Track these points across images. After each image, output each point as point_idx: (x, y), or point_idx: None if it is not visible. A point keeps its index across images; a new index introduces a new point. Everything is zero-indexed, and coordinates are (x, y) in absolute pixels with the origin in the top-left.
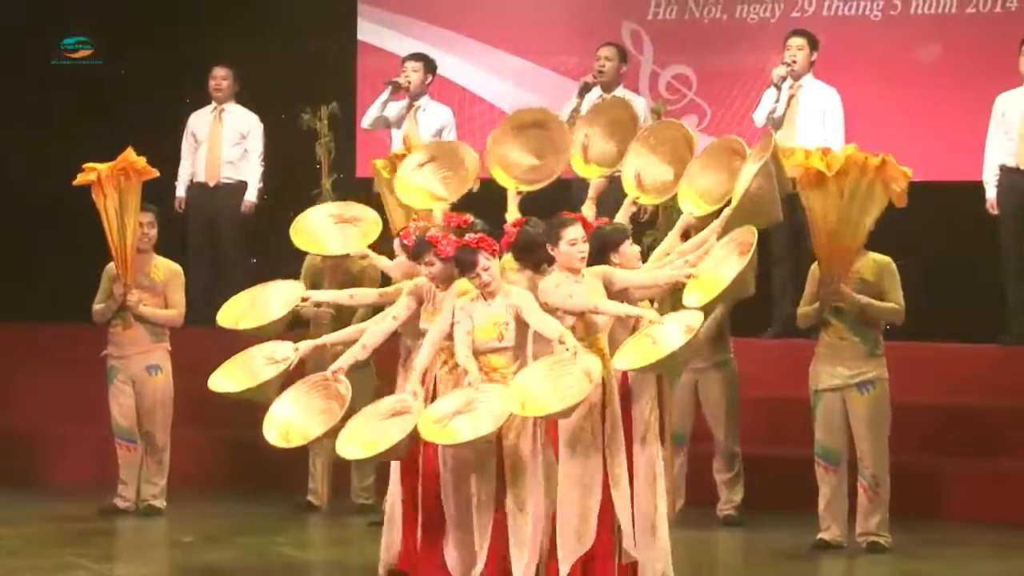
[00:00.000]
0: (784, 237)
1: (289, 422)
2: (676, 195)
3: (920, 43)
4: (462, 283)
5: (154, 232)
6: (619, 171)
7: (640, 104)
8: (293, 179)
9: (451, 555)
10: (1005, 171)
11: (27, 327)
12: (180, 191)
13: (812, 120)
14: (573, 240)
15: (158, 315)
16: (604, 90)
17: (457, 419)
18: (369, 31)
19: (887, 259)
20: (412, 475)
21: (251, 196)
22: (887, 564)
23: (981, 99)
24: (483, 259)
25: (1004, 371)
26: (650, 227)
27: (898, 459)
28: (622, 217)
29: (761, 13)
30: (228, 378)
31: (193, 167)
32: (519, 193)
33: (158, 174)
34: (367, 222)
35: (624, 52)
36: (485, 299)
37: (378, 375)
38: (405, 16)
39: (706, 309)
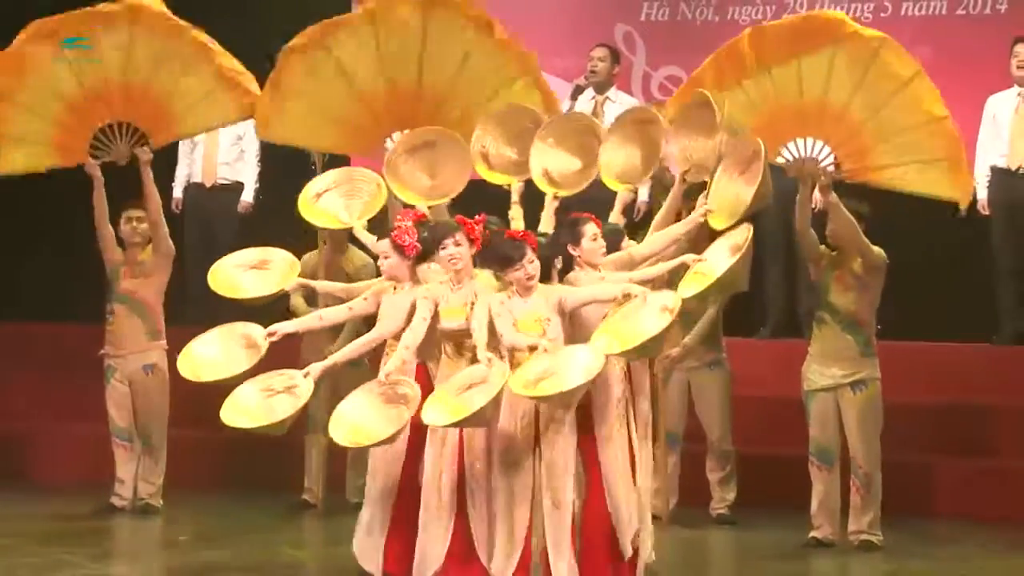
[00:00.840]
0: (778, 237)
1: (358, 424)
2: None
3: (911, 45)
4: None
5: (145, 227)
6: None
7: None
8: (288, 180)
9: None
10: (996, 172)
11: (24, 326)
12: (177, 192)
13: None
14: (594, 235)
15: (157, 203)
16: (597, 91)
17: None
18: None
19: (878, 249)
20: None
21: (247, 197)
22: (879, 562)
23: (972, 100)
24: (529, 252)
25: (996, 370)
26: (643, 227)
27: (890, 458)
28: (615, 217)
29: (753, 15)
30: (243, 414)
31: (190, 168)
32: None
33: None
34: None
35: (617, 53)
36: (524, 294)
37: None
38: None
39: (698, 299)
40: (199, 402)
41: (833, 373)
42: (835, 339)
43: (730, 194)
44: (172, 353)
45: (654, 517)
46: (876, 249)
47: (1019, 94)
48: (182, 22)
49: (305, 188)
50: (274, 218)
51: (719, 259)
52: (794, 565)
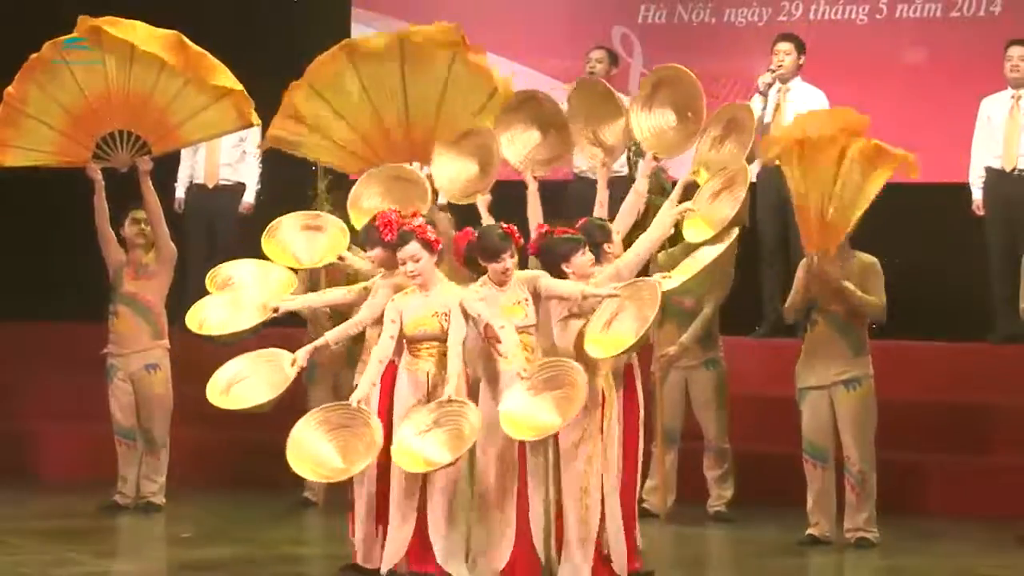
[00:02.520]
0: (773, 237)
1: (318, 455)
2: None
3: (906, 46)
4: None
5: (149, 229)
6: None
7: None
8: (289, 182)
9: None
10: (991, 173)
11: (27, 325)
12: (179, 192)
13: None
14: (582, 251)
15: (157, 210)
16: None
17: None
18: (363, 34)
19: (872, 259)
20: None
21: (249, 198)
22: (874, 559)
23: (966, 102)
24: (513, 247)
25: (989, 369)
26: (641, 228)
27: (884, 455)
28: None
29: (749, 17)
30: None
31: (192, 169)
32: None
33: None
34: (333, 230)
35: (615, 55)
36: (503, 286)
37: None
38: (398, 19)
39: (708, 243)
40: (201, 401)
41: (827, 371)
42: (828, 338)
43: (711, 207)
44: (174, 352)
45: (652, 515)
46: (870, 258)
47: (1013, 96)
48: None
49: (271, 225)
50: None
51: (721, 204)
52: (791, 562)
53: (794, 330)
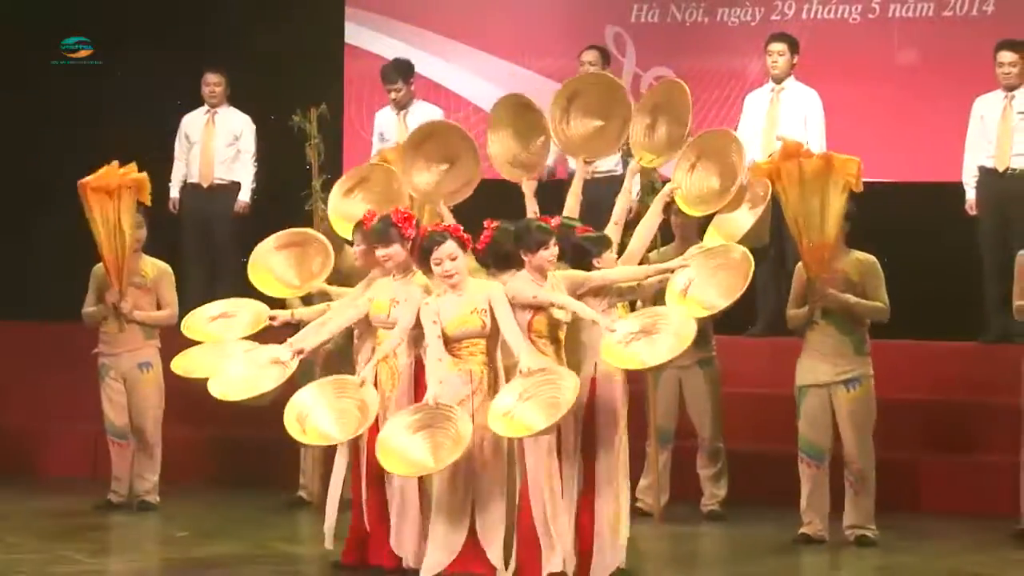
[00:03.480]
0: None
1: (311, 416)
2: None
3: (899, 46)
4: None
5: (143, 233)
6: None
7: None
8: (283, 180)
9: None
10: (984, 172)
11: (20, 325)
12: (174, 192)
13: (794, 123)
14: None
15: (152, 317)
16: None
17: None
18: (356, 33)
19: (872, 258)
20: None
21: (244, 196)
22: (867, 557)
23: (959, 101)
24: (450, 246)
25: (983, 368)
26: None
27: (879, 454)
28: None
29: (742, 16)
30: (227, 385)
31: (187, 168)
32: None
33: (147, 185)
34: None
35: (607, 54)
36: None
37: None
38: (392, 19)
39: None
40: (195, 399)
41: (827, 370)
42: (829, 338)
43: (732, 219)
44: (167, 352)
45: (646, 514)
46: (862, 256)
47: (1006, 96)
48: None
49: (256, 249)
50: (271, 218)
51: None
52: (785, 561)
53: (788, 329)
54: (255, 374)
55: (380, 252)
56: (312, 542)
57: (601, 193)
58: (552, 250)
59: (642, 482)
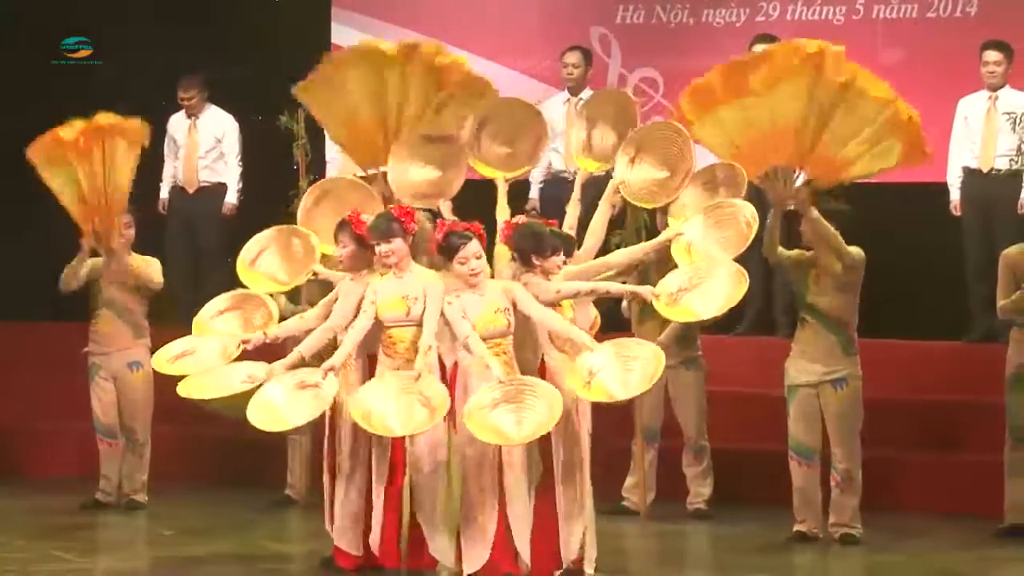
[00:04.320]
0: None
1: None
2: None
3: (883, 47)
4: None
5: (131, 232)
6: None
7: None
8: (271, 181)
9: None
10: (968, 173)
11: (10, 325)
12: (163, 193)
13: None
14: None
15: (139, 269)
16: (571, 94)
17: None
18: (343, 34)
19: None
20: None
21: (231, 198)
22: (852, 556)
23: (944, 102)
24: (474, 245)
25: (967, 367)
26: (618, 226)
27: (864, 453)
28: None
29: (727, 17)
30: (199, 386)
31: (175, 170)
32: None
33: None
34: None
35: (590, 55)
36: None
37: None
38: (378, 20)
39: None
40: (184, 400)
41: (815, 370)
42: (817, 338)
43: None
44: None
45: (632, 512)
46: (853, 249)
47: (990, 97)
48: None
49: (241, 253)
50: (258, 219)
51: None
52: (770, 559)
53: (774, 328)
54: (295, 401)
55: (383, 248)
56: (299, 540)
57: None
58: (561, 256)
59: (628, 480)
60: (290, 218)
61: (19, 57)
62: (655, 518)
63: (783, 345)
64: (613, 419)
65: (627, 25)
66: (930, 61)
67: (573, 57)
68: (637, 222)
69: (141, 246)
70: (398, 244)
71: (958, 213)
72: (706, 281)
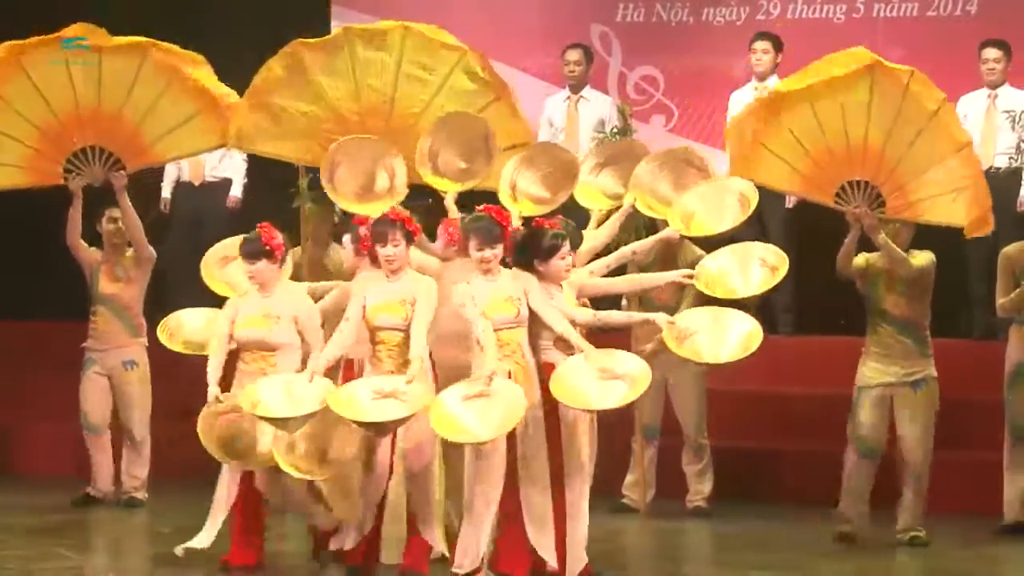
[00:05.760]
0: (752, 236)
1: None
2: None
3: (883, 45)
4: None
5: (123, 177)
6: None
7: (609, 104)
8: (276, 175)
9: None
10: None
11: (5, 324)
12: (165, 192)
13: None
14: (563, 255)
15: (134, 221)
16: (572, 91)
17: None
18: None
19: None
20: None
21: (236, 192)
22: (854, 554)
23: None
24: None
25: (968, 365)
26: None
27: None
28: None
29: (727, 16)
30: (356, 410)
31: (178, 167)
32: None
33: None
34: None
35: (591, 53)
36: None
37: None
38: (377, 16)
39: None
40: (182, 396)
41: (893, 371)
42: (892, 341)
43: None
44: (153, 350)
45: (632, 509)
46: (923, 255)
47: (989, 95)
48: (145, 41)
49: (209, 251)
50: (262, 213)
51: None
52: (768, 556)
53: (774, 326)
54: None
55: (391, 252)
56: (296, 539)
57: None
58: (568, 259)
59: (628, 478)
60: (295, 214)
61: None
62: (655, 515)
63: (783, 343)
64: (613, 417)
65: (627, 23)
66: (930, 59)
67: (575, 55)
68: (636, 221)
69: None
70: (402, 249)
71: None
72: (721, 330)
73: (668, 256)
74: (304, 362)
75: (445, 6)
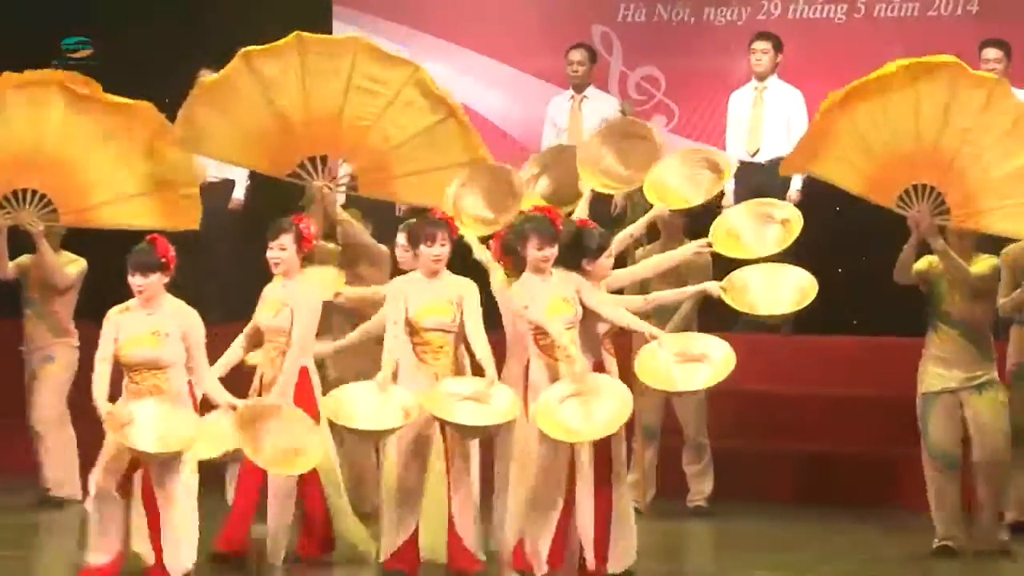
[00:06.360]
0: None
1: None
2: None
3: (883, 45)
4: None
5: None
6: None
7: (612, 104)
8: (274, 180)
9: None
10: None
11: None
12: None
13: (777, 121)
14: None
15: (50, 257)
16: (575, 91)
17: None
18: (344, 32)
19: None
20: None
21: (239, 194)
22: (853, 553)
23: None
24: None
25: None
26: (618, 222)
27: (862, 450)
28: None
29: (728, 16)
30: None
31: None
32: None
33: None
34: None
35: (594, 53)
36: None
37: None
38: (379, 18)
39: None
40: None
41: (956, 376)
42: (954, 344)
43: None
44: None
45: (633, 510)
46: (985, 261)
47: None
48: (121, 103)
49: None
50: (265, 214)
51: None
52: (768, 556)
53: (774, 325)
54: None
55: (439, 252)
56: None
57: None
58: (612, 258)
59: (629, 478)
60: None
61: (19, 57)
62: (655, 515)
63: (782, 343)
64: None
65: (628, 23)
66: None
67: (578, 55)
68: (636, 218)
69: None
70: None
71: None
72: (775, 284)
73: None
74: (191, 381)
75: (446, 8)
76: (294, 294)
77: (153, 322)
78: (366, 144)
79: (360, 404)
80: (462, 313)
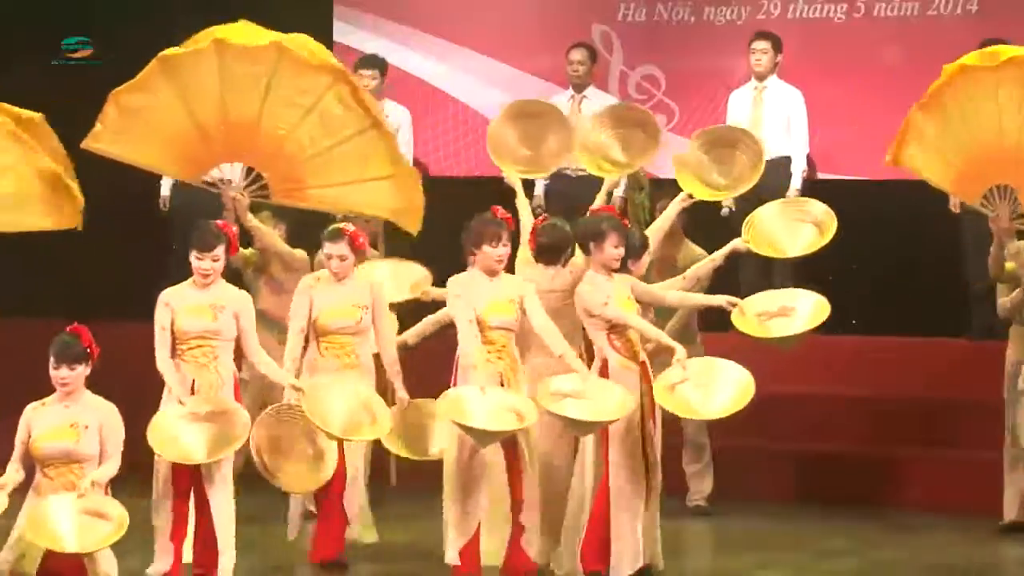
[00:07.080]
0: None
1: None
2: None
3: (883, 45)
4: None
5: None
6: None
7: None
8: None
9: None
10: None
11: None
12: (165, 190)
13: (777, 121)
14: (617, 243)
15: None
16: (575, 91)
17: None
18: (345, 32)
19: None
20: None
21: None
22: (853, 553)
23: None
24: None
25: (968, 364)
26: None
27: (861, 450)
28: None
29: (728, 15)
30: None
31: None
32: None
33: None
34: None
35: (595, 52)
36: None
37: None
38: (379, 17)
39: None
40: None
41: None
42: None
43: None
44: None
45: None
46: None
47: None
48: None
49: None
50: (264, 212)
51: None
52: (768, 556)
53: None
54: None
55: (503, 252)
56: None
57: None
58: (621, 248)
59: None
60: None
61: (19, 57)
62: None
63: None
64: None
65: (629, 23)
66: (930, 58)
67: (579, 54)
68: (636, 216)
69: (147, 244)
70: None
71: (958, 211)
72: (712, 383)
73: (668, 255)
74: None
75: (447, 7)
76: (230, 297)
77: (71, 414)
78: (282, 153)
79: (474, 404)
80: (523, 313)
